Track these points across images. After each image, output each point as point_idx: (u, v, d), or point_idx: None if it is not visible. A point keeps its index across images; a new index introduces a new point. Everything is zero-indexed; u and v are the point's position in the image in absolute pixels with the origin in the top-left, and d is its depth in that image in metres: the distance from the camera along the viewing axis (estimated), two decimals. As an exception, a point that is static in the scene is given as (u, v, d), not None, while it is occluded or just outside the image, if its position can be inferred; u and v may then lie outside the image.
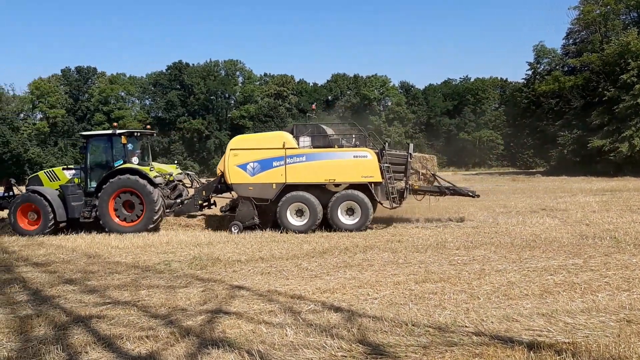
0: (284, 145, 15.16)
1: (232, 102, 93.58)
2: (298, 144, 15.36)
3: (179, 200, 17.00)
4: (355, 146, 15.65)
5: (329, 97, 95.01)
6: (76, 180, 16.62)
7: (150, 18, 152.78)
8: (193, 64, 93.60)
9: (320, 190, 15.33)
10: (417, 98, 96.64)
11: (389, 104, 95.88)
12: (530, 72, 61.25)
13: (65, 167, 18.15)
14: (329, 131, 16.35)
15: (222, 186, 16.26)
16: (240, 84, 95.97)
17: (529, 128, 61.16)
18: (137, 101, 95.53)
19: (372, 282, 8.62)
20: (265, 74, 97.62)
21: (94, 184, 16.22)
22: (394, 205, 15.23)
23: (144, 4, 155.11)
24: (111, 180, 15.65)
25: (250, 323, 6.64)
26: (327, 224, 15.16)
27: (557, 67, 55.88)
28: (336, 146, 15.57)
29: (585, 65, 49.49)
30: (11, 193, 17.39)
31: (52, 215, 15.85)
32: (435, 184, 16.14)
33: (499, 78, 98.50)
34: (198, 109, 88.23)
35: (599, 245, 11.22)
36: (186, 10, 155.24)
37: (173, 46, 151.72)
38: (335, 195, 15.16)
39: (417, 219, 16.43)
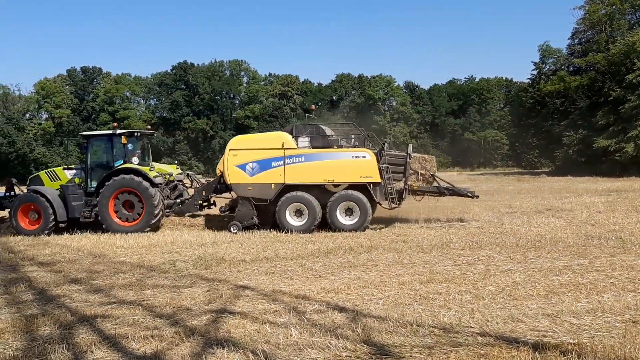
0: (283, 146, 15.16)
1: (237, 102, 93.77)
2: (297, 145, 15.36)
3: (179, 200, 17.05)
4: (355, 146, 15.64)
5: (334, 97, 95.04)
6: (76, 180, 16.70)
7: (156, 18, 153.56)
8: (198, 64, 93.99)
9: (319, 190, 15.32)
10: (422, 98, 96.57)
11: (394, 104, 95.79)
12: (535, 72, 61.14)
13: (66, 167, 18.25)
14: (328, 131, 16.34)
15: (222, 186, 16.28)
16: (245, 84, 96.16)
17: (534, 128, 60.95)
18: (142, 101, 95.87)
19: (377, 283, 8.61)
20: (269, 74, 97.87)
21: (94, 184, 16.28)
22: (393, 205, 15.20)
23: (149, 4, 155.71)
24: (111, 180, 15.72)
25: (255, 323, 6.64)
26: (326, 225, 15.16)
27: (563, 67, 55.70)
28: (335, 146, 15.56)
29: (591, 65, 49.32)
30: (12, 193, 17.48)
31: (53, 215, 15.92)
32: (435, 184, 16.10)
33: (504, 78, 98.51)
34: (203, 109, 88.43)
35: (604, 245, 11.17)
36: (191, 11, 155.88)
37: (178, 46, 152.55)
38: (334, 195, 15.15)
39: (417, 219, 16.40)
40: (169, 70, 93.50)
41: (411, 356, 5.43)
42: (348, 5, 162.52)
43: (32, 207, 16.18)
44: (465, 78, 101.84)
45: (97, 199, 15.79)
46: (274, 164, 15.19)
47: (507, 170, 72.53)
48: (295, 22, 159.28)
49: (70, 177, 16.88)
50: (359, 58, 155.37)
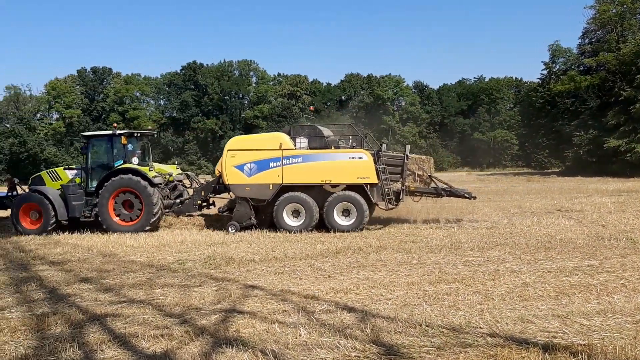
0: (280, 147, 15.17)
1: (246, 102, 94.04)
2: (295, 145, 15.37)
3: (178, 200, 17.12)
4: (352, 147, 15.63)
5: (343, 97, 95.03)
6: (77, 180, 16.81)
7: (165, 19, 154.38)
8: (207, 65, 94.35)
9: (317, 191, 15.30)
10: (431, 98, 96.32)
11: (403, 104, 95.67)
12: (545, 72, 60.90)
13: (67, 167, 18.37)
14: (326, 132, 16.33)
15: (220, 186, 16.35)
16: (253, 84, 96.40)
17: (544, 128, 60.68)
18: (151, 101, 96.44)
19: (386, 283, 8.60)
20: (278, 74, 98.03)
21: (94, 184, 16.36)
22: (390, 206, 15.14)
23: (159, 4, 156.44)
24: (110, 180, 15.80)
25: (264, 322, 6.65)
26: (324, 225, 15.16)
27: (573, 67, 55.42)
28: (333, 147, 15.54)
29: (601, 65, 49.01)
30: (15, 192, 17.63)
31: (54, 214, 16.02)
32: (432, 185, 16.03)
33: (513, 78, 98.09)
34: (212, 109, 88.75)
35: (615, 246, 11.10)
36: (200, 12, 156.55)
37: (187, 47, 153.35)
38: (332, 196, 15.12)
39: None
40: (179, 71, 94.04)
41: (420, 356, 5.41)
42: (358, 5, 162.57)
43: (33, 206, 16.30)
44: (474, 78, 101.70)
45: (97, 198, 15.91)
46: (271, 164, 15.22)
47: (517, 171, 72.20)
48: (305, 22, 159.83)
49: (71, 177, 16.99)
50: (368, 58, 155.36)
